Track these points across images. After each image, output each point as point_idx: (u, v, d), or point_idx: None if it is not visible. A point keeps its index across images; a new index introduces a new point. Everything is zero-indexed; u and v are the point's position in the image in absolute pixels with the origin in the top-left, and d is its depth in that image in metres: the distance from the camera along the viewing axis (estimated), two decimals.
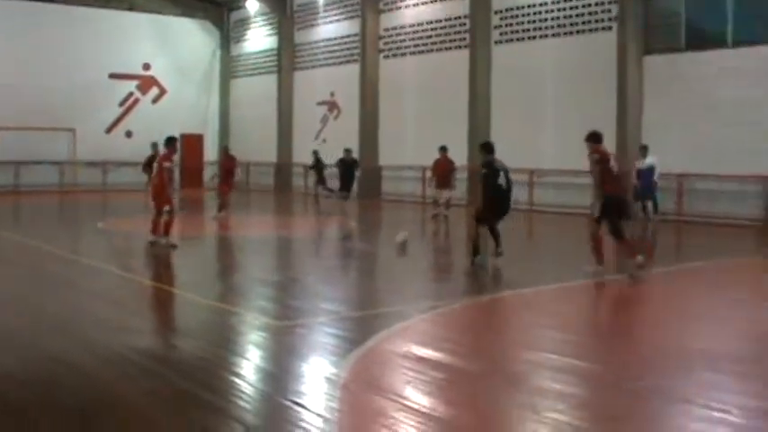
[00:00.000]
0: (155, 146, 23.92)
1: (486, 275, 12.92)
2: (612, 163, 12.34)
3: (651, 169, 21.81)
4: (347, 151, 23.17)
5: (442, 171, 22.56)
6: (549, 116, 25.58)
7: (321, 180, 29.26)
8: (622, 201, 12.55)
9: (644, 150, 21.98)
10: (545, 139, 25.36)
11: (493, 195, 13.31)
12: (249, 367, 7.46)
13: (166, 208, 15.44)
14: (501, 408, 6.21)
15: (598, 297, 11.90)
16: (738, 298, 11.26)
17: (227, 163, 23.57)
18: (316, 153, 29.58)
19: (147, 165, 23.64)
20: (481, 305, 10.66)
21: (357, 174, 22.74)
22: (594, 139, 12.41)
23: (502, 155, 13.82)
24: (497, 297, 11.36)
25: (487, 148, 13.60)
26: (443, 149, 22.84)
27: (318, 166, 29.33)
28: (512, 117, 26.38)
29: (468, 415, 6.06)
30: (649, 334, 9.09)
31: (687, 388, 6.74)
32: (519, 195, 23.46)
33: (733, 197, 21.36)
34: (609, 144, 23.06)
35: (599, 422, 5.94)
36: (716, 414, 5.98)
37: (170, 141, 15.93)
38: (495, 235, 13.51)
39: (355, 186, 23.19)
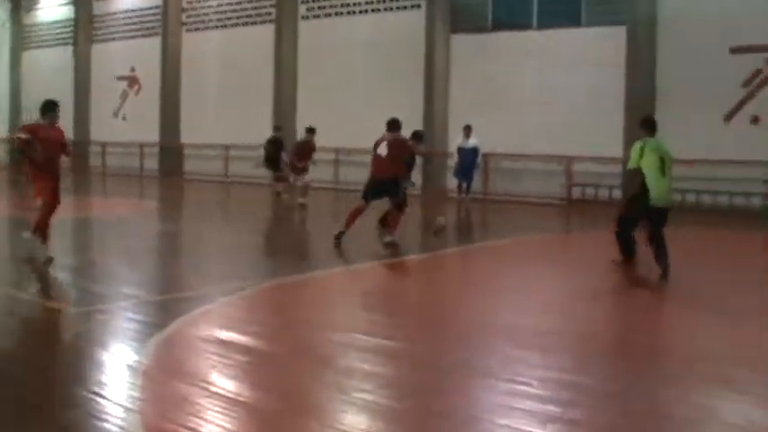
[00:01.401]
0: None
1: (298, 256, 12.82)
2: (381, 149, 13.34)
3: (475, 150, 22.07)
4: (277, 128, 22.14)
5: (307, 154, 20.43)
6: (358, 94, 25.68)
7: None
8: (385, 182, 13.32)
9: (467, 130, 22.03)
10: (353, 117, 25.21)
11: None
12: (45, 358, 7.02)
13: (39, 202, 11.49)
14: (308, 389, 6.13)
15: (405, 276, 12.05)
16: (540, 273, 11.73)
17: None
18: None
19: None
20: (288, 286, 10.55)
21: (284, 156, 21.07)
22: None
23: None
24: (305, 277, 11.26)
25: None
26: (312, 131, 20.53)
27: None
28: (319, 95, 26.36)
29: (275, 398, 5.95)
30: (455, 311, 9.27)
31: (492, 362, 6.89)
32: (324, 174, 23.61)
33: (538, 176, 22.20)
34: (415, 122, 23.79)
35: (406, 399, 5.96)
36: (518, 387, 6.14)
37: (52, 107, 11.36)
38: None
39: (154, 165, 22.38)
